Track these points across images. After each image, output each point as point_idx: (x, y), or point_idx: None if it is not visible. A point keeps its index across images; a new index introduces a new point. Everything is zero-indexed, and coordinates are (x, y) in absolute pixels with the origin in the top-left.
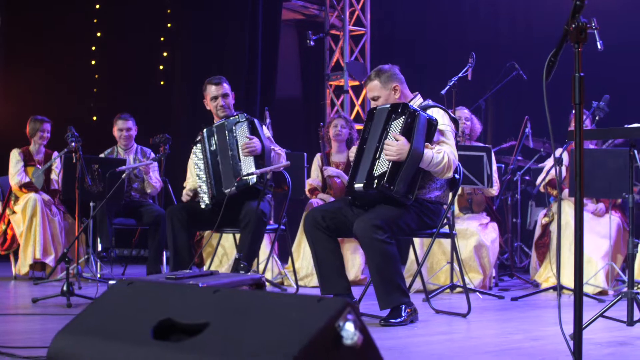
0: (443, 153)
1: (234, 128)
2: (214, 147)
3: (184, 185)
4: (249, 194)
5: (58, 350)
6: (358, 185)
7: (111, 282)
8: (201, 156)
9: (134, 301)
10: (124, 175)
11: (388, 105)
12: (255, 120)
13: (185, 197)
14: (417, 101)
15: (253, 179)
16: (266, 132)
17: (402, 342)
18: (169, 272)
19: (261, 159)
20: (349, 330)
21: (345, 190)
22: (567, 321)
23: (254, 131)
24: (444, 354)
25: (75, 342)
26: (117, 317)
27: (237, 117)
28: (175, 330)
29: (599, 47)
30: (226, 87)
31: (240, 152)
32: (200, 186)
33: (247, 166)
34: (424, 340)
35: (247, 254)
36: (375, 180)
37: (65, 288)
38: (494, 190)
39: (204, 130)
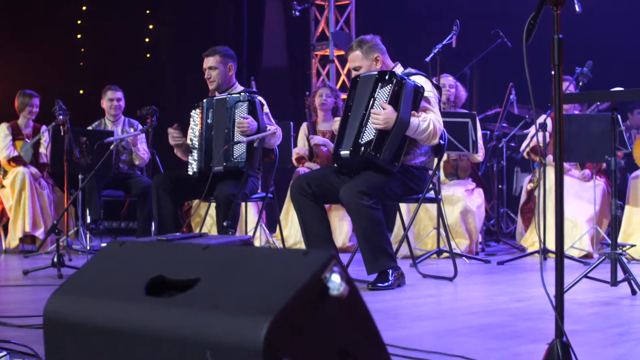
0: (429, 121)
1: (234, 106)
2: (210, 120)
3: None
4: (235, 172)
5: (54, 309)
6: (344, 152)
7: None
8: (198, 122)
9: (126, 260)
10: (112, 147)
11: (375, 72)
12: (257, 101)
13: (171, 138)
14: (397, 70)
15: (242, 162)
16: (265, 109)
17: (390, 304)
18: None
19: (255, 142)
20: (335, 282)
21: (331, 158)
22: (553, 283)
23: (252, 112)
24: (432, 316)
25: (70, 300)
26: (110, 276)
27: (239, 95)
28: (167, 286)
29: (577, 9)
30: (214, 59)
31: (235, 131)
32: (192, 152)
33: (239, 148)
34: (411, 303)
35: (221, 230)
36: (362, 148)
37: (55, 260)
38: (479, 156)
39: (205, 100)
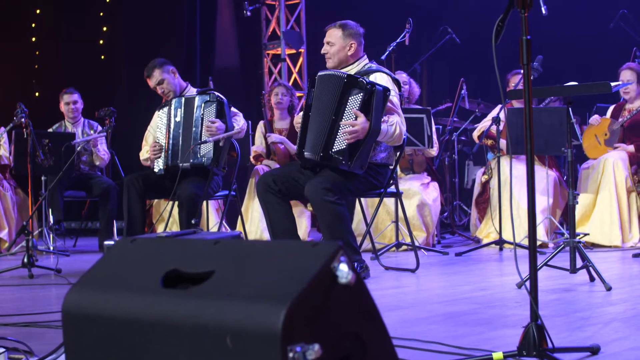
0: (395, 124)
1: (202, 106)
2: (179, 119)
3: (140, 155)
4: (200, 170)
5: (73, 303)
6: (309, 154)
7: (66, 253)
8: (165, 121)
9: (140, 256)
10: (78, 148)
11: (342, 75)
12: (225, 102)
13: (151, 153)
14: (362, 62)
15: (209, 160)
16: (232, 108)
17: None
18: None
19: (220, 142)
20: (343, 270)
21: (288, 155)
22: (511, 272)
23: (220, 113)
24: (399, 305)
25: (88, 295)
26: (125, 271)
27: (208, 95)
28: (182, 279)
29: (544, 12)
30: (155, 76)
31: (203, 131)
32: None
33: (206, 146)
34: (377, 295)
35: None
36: (333, 157)
37: (26, 260)
38: (434, 150)
39: (174, 99)
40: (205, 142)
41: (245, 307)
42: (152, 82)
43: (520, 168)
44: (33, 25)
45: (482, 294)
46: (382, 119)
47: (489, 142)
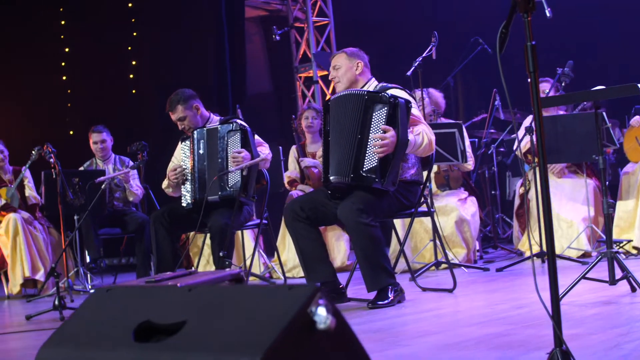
0: (421, 133)
1: (226, 136)
2: (202, 151)
3: (162, 185)
4: (229, 201)
5: None
6: (335, 178)
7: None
8: (189, 154)
9: (114, 307)
10: (103, 186)
11: (362, 92)
12: (248, 129)
13: (172, 179)
14: (373, 83)
15: (237, 191)
16: (256, 137)
17: (390, 322)
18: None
19: (248, 167)
20: (321, 315)
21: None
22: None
23: (245, 141)
24: (433, 330)
25: (59, 353)
26: (98, 324)
27: (230, 124)
28: (154, 331)
29: (548, 14)
30: (178, 111)
31: (229, 162)
32: (184, 184)
33: (233, 176)
34: (411, 319)
35: (218, 260)
36: (365, 176)
37: (57, 302)
38: (470, 165)
39: (196, 131)
40: (229, 172)
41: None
42: (173, 117)
43: (556, 178)
44: (63, 64)
45: (518, 313)
46: (409, 130)
47: (535, 159)
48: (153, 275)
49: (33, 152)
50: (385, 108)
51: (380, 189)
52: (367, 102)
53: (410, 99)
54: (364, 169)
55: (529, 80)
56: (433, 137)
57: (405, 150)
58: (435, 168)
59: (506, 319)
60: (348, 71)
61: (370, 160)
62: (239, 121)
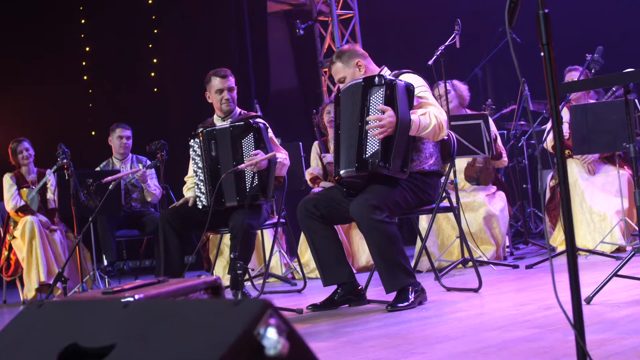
0: (429, 114)
1: (238, 137)
2: (214, 153)
3: (185, 179)
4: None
5: None
6: (345, 171)
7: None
8: (200, 153)
9: (43, 325)
10: (110, 186)
11: (359, 80)
12: (262, 127)
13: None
14: (385, 72)
15: (257, 195)
16: (270, 133)
17: (408, 326)
18: (107, 287)
19: (267, 168)
20: (271, 338)
21: None
22: (583, 284)
23: (259, 139)
24: (451, 335)
25: None
26: (24, 345)
27: (242, 123)
28: (81, 355)
29: None
30: (232, 80)
31: (245, 163)
32: (197, 184)
33: (250, 179)
34: (431, 322)
35: (241, 256)
36: (369, 161)
37: None
38: (504, 160)
39: (205, 131)
40: (237, 169)
41: None
42: (224, 84)
43: (589, 169)
44: (84, 63)
45: (545, 315)
46: (414, 112)
47: (566, 151)
48: (114, 285)
49: (62, 160)
50: (382, 89)
51: (391, 177)
52: (364, 88)
53: (423, 82)
54: (366, 154)
55: (542, 54)
56: (443, 118)
57: (409, 131)
58: (469, 159)
59: (532, 322)
60: (354, 77)
61: (372, 145)
62: (250, 120)
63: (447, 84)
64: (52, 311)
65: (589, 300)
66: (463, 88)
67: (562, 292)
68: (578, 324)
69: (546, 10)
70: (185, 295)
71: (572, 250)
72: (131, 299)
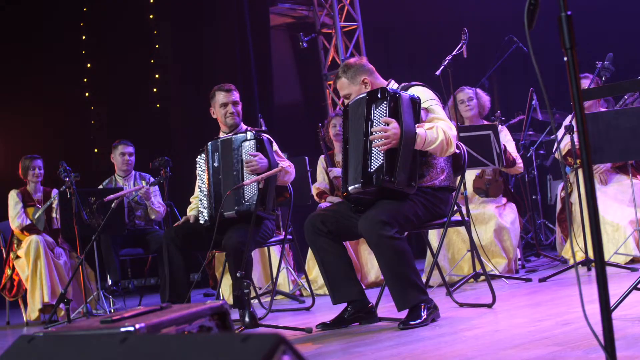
0: (436, 128)
1: (240, 146)
2: (217, 164)
3: (190, 200)
4: (249, 217)
5: None
6: (353, 187)
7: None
8: (204, 168)
9: None
10: (113, 205)
11: (364, 94)
12: (265, 138)
13: (186, 218)
14: (392, 86)
15: (253, 205)
16: (275, 147)
17: (422, 345)
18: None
19: (260, 183)
20: None
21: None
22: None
23: (261, 150)
24: (468, 354)
25: None
26: None
27: (245, 133)
28: None
29: None
30: (236, 94)
31: (245, 171)
32: (201, 200)
33: (250, 189)
34: (445, 341)
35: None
36: (374, 176)
37: None
38: (520, 166)
39: (209, 143)
40: (242, 185)
41: None
42: (229, 98)
43: (602, 178)
44: (85, 80)
45: (564, 331)
46: (421, 125)
47: (573, 161)
48: (112, 313)
49: (65, 178)
50: (385, 102)
51: (400, 191)
52: (367, 102)
53: (432, 96)
54: (371, 169)
55: (565, 59)
56: (452, 134)
57: (414, 144)
58: (478, 171)
59: (550, 339)
60: (359, 94)
61: (377, 158)
62: (254, 131)
63: (470, 92)
64: (42, 347)
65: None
66: (486, 99)
67: (579, 306)
68: (609, 346)
69: (569, 13)
70: (189, 322)
71: (601, 263)
72: (131, 329)
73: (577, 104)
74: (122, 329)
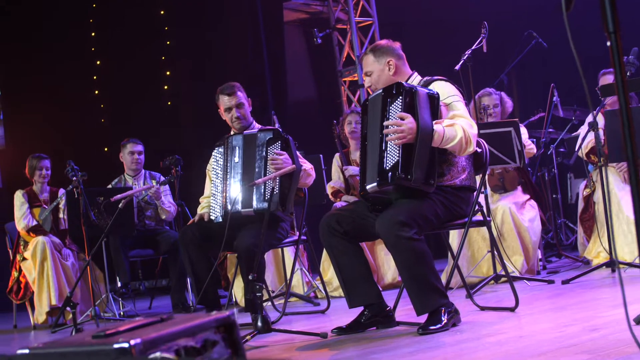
0: (455, 124)
1: (265, 144)
2: (237, 159)
3: (200, 200)
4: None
5: None
6: (370, 186)
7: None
8: (222, 162)
9: None
10: (120, 205)
11: (380, 91)
12: (290, 138)
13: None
14: (415, 79)
15: (275, 205)
16: (299, 154)
17: (443, 352)
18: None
19: (289, 178)
20: None
21: None
22: (629, 301)
23: (286, 149)
24: None
25: None
26: None
27: (270, 132)
28: None
29: None
30: (240, 95)
31: (268, 169)
32: (214, 195)
33: (269, 188)
34: (467, 347)
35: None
36: (390, 174)
37: (74, 333)
38: (531, 147)
39: (231, 137)
40: (255, 184)
41: None
42: (232, 101)
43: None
44: (95, 77)
45: (592, 337)
46: (439, 121)
47: (596, 159)
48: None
49: (72, 177)
50: (401, 97)
51: (419, 190)
52: (383, 98)
53: (454, 91)
54: (386, 166)
55: (608, 43)
56: (472, 132)
57: (432, 141)
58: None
59: (578, 346)
60: (381, 75)
61: (392, 155)
62: (280, 129)
63: (496, 98)
64: None
65: (638, 320)
66: (510, 104)
67: (606, 310)
68: None
69: None
70: (192, 336)
71: None
72: (125, 345)
73: (621, 93)
74: (116, 345)
